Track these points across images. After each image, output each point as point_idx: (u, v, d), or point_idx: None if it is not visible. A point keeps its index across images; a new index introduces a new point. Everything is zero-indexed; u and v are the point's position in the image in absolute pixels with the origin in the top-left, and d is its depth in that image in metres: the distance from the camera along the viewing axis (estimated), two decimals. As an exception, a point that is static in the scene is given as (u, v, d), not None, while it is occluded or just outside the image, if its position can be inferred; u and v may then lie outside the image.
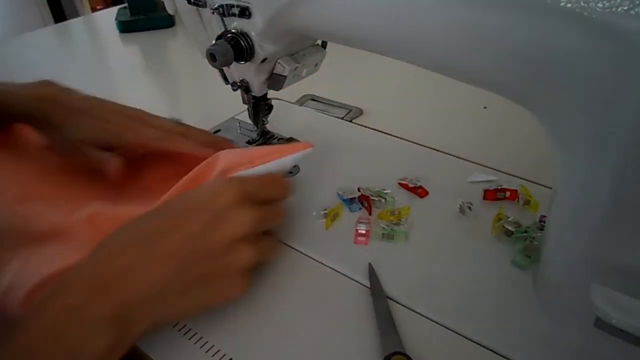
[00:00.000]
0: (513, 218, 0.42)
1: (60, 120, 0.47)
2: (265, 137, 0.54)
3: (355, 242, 0.42)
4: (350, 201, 0.45)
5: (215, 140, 0.49)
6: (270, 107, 0.52)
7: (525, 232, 0.40)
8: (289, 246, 0.42)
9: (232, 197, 0.33)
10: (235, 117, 0.61)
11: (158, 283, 0.31)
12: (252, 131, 0.53)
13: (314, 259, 0.41)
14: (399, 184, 0.48)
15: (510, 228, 0.40)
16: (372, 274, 0.38)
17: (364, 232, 0.42)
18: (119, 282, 0.30)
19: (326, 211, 0.44)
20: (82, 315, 0.29)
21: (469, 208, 0.44)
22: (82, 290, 0.30)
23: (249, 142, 0.54)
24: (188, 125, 0.51)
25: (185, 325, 0.35)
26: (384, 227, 0.42)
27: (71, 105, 0.48)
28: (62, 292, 0.30)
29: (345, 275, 0.39)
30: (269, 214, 0.36)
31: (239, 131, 0.54)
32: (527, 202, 0.44)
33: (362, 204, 0.45)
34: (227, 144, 0.48)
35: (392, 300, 0.37)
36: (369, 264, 0.39)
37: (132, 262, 0.31)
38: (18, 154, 0.52)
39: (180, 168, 0.44)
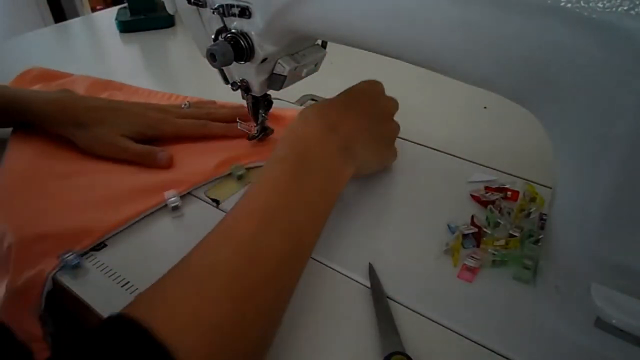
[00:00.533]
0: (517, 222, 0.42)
1: (87, 117, 0.52)
2: (265, 133, 0.54)
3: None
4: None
5: (240, 112, 0.56)
6: (270, 103, 0.52)
7: (531, 235, 0.40)
8: (289, 246, 0.42)
9: (380, 86, 0.48)
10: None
11: (357, 130, 0.42)
12: (251, 127, 0.54)
13: (314, 259, 0.40)
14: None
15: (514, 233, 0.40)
16: (372, 274, 0.38)
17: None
18: (338, 126, 0.41)
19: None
20: (329, 140, 0.40)
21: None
22: (321, 124, 0.40)
23: (249, 139, 0.54)
24: (208, 102, 0.61)
25: (185, 325, 0.35)
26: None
27: (95, 104, 0.54)
28: (306, 125, 0.40)
29: (345, 275, 0.39)
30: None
31: (238, 127, 0.54)
32: (532, 199, 0.44)
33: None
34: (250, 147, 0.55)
35: (392, 300, 0.37)
36: (369, 264, 0.39)
37: (341, 115, 0.42)
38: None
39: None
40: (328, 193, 0.38)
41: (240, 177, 0.50)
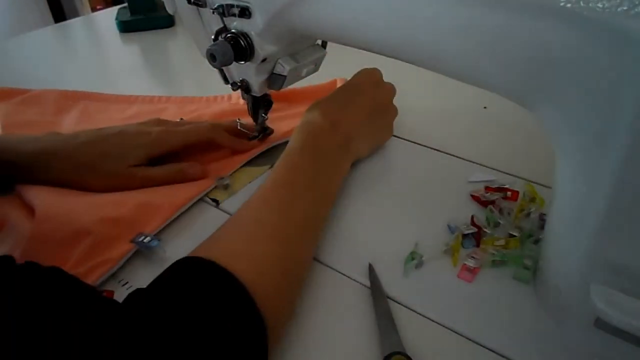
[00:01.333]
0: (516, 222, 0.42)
1: (86, 157, 0.46)
2: (265, 133, 0.54)
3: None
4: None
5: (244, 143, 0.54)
6: (270, 103, 0.52)
7: (530, 235, 0.40)
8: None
9: (378, 76, 0.53)
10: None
11: (355, 126, 0.48)
12: (251, 128, 0.54)
13: (313, 259, 0.41)
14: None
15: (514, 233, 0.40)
16: (372, 274, 0.38)
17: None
18: (338, 124, 0.46)
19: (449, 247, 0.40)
20: (331, 138, 0.45)
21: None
22: (325, 124, 0.46)
23: (249, 139, 0.54)
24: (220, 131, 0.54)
25: (185, 325, 0.35)
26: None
27: (89, 139, 0.47)
28: (314, 124, 0.46)
29: (345, 275, 0.39)
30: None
31: (238, 127, 0.54)
32: (532, 200, 0.44)
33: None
34: (250, 147, 0.53)
35: (392, 300, 0.37)
36: (369, 264, 0.39)
37: (341, 114, 0.47)
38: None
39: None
40: (334, 180, 0.44)
41: (226, 187, 0.49)
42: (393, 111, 0.53)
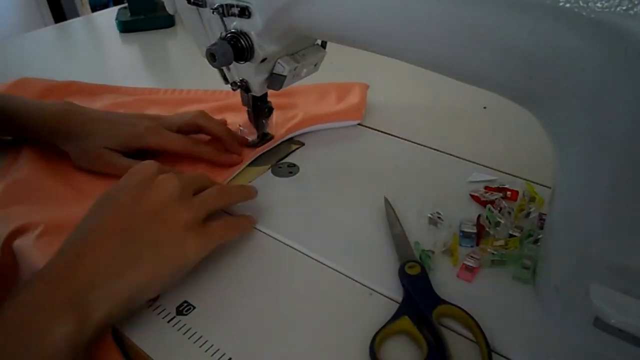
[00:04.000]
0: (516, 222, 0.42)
1: (78, 130, 0.50)
2: (264, 139, 0.54)
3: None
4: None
5: (236, 144, 0.53)
6: (271, 110, 0.52)
7: (530, 235, 0.40)
8: (288, 245, 0.42)
9: (154, 169, 0.38)
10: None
11: (105, 260, 0.33)
12: (252, 134, 0.54)
13: (313, 259, 0.41)
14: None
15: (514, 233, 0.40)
16: (387, 205, 0.44)
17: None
18: (69, 271, 0.32)
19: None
20: (39, 307, 0.30)
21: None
22: (38, 285, 0.31)
23: (248, 145, 0.54)
24: (210, 119, 0.54)
25: (185, 325, 0.35)
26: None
27: (91, 116, 0.52)
28: (21, 290, 0.31)
29: (345, 275, 0.39)
30: (196, 181, 0.40)
31: (239, 134, 0.54)
32: (532, 199, 0.44)
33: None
34: (250, 151, 0.53)
35: (392, 300, 0.37)
36: (385, 197, 0.44)
37: (79, 251, 0.33)
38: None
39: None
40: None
41: None
42: (178, 219, 0.35)
